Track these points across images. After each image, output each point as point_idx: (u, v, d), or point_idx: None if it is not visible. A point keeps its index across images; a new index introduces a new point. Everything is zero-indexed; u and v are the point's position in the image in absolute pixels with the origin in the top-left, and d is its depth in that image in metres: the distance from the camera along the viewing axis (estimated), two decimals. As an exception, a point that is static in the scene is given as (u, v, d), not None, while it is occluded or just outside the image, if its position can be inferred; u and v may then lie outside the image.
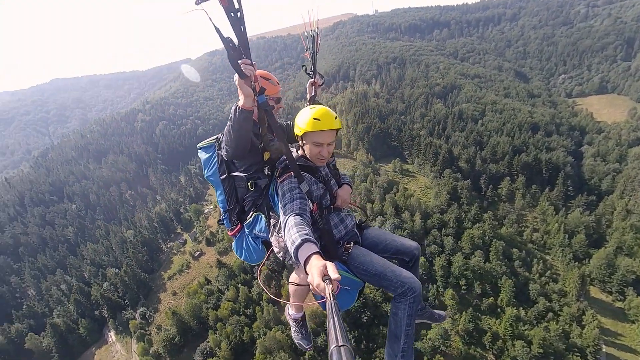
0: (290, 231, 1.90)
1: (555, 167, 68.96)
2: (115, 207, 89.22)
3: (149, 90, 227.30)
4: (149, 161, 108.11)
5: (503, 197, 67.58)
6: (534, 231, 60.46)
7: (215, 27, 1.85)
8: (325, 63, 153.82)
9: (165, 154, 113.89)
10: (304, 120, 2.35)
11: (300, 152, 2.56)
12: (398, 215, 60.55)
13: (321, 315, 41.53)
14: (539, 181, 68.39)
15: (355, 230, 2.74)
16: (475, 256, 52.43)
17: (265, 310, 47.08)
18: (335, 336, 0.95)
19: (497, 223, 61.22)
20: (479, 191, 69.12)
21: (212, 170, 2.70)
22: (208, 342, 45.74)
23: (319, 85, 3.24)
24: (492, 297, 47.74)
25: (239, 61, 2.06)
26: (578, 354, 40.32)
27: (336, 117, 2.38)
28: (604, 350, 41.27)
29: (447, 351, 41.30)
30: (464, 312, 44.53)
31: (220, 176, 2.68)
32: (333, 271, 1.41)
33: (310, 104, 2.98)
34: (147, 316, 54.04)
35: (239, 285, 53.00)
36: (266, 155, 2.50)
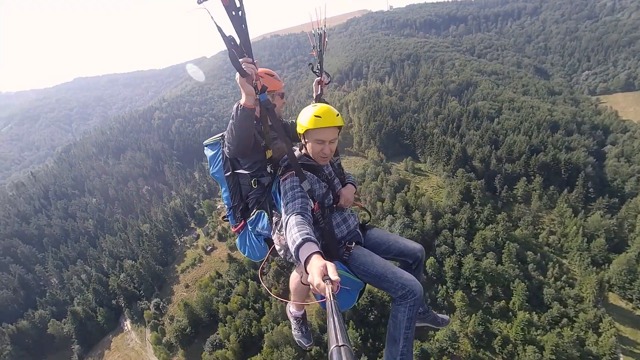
0: (291, 230, 1.91)
1: (575, 167, 66.30)
2: (133, 202, 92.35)
3: (165, 89, 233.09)
4: (164, 157, 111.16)
5: (519, 198, 65.64)
6: (550, 234, 58.50)
7: (217, 25, 1.89)
8: (338, 60, 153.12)
9: (180, 151, 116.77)
10: (305, 118, 2.36)
11: (303, 150, 2.56)
12: (408, 215, 59.91)
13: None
14: (558, 182, 65.98)
15: (358, 230, 2.72)
16: (487, 258, 51.33)
17: (274, 305, 47.83)
18: (335, 336, 0.94)
19: (511, 225, 59.63)
20: (493, 191, 67.42)
21: (217, 167, 2.75)
22: (218, 334, 46.99)
23: (325, 84, 3.25)
24: (503, 301, 46.68)
25: (241, 60, 2.07)
26: (593, 362, 39.02)
27: (338, 115, 2.39)
28: (621, 359, 39.71)
29: (455, 353, 40.78)
30: (473, 315, 43.77)
31: (225, 173, 2.71)
32: (333, 272, 1.42)
33: (316, 103, 2.97)
34: (160, 307, 55.93)
35: (249, 280, 54.00)
36: (269, 154, 2.52)
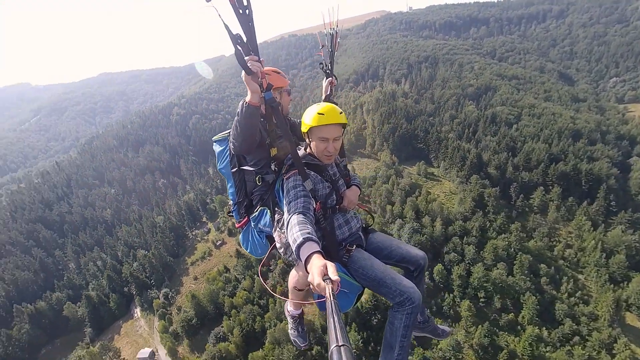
0: (292, 229, 1.91)
1: (596, 178, 63.45)
2: (149, 194, 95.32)
3: (185, 85, 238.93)
4: (181, 152, 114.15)
5: (535, 208, 63.48)
6: (566, 247, 56.25)
7: (224, 23, 1.90)
8: (354, 61, 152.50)
9: (196, 146, 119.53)
10: (309, 116, 2.38)
11: (307, 150, 2.56)
12: (418, 220, 59.09)
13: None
14: (577, 193, 63.36)
15: (360, 233, 2.69)
16: (497, 268, 49.92)
17: (278, 303, 48.27)
18: (335, 336, 0.94)
19: (525, 235, 57.77)
20: (508, 200, 65.50)
21: (224, 163, 2.79)
22: (222, 327, 47.96)
23: (334, 85, 3.24)
24: (512, 313, 45.28)
25: (246, 58, 2.09)
26: (605, 383, 37.35)
27: (341, 113, 2.39)
28: (636, 382, 37.84)
29: (458, 363, 40.00)
30: (480, 326, 42.73)
31: (232, 169, 2.74)
32: (333, 272, 1.42)
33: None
34: (169, 297, 57.54)
35: (255, 276, 54.73)
36: (273, 151, 2.53)
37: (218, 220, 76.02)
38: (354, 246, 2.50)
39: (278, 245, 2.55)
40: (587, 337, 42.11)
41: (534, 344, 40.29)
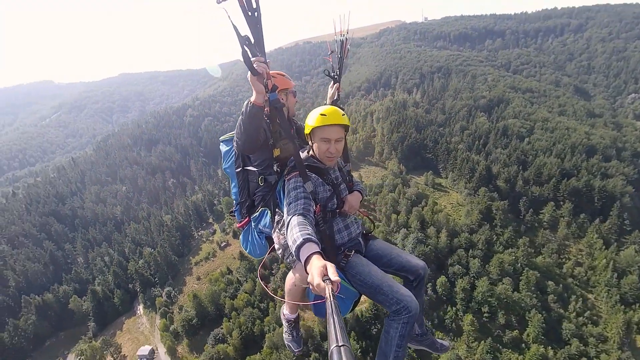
0: (292, 230, 1.91)
1: (610, 196, 61.67)
2: (158, 193, 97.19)
3: (200, 88, 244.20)
4: (192, 153, 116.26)
5: (544, 223, 62.02)
6: (576, 265, 54.66)
7: (233, 24, 1.93)
8: (367, 69, 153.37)
9: (207, 148, 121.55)
10: (312, 117, 2.40)
11: (310, 152, 2.56)
12: (423, 230, 58.43)
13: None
14: (589, 210, 61.66)
15: (360, 239, 2.67)
16: (503, 283, 48.85)
17: (278, 307, 48.20)
18: (335, 336, 0.93)
19: (533, 251, 56.44)
20: (516, 214, 64.19)
21: (229, 163, 2.83)
22: (221, 328, 48.11)
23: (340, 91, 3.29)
24: (517, 330, 44.07)
25: (253, 59, 2.11)
26: (613, 409, 35.76)
27: (344, 115, 2.41)
28: (647, 410, 36.10)
29: (458, 379, 39.01)
30: (482, 341, 41.72)
31: (236, 169, 2.77)
32: (333, 273, 1.42)
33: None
34: (172, 296, 58.15)
35: (257, 279, 54.86)
36: (275, 152, 2.54)
37: (224, 221, 76.75)
38: (353, 251, 2.49)
39: (276, 246, 2.55)
40: (594, 359, 40.56)
41: (538, 364, 39.05)
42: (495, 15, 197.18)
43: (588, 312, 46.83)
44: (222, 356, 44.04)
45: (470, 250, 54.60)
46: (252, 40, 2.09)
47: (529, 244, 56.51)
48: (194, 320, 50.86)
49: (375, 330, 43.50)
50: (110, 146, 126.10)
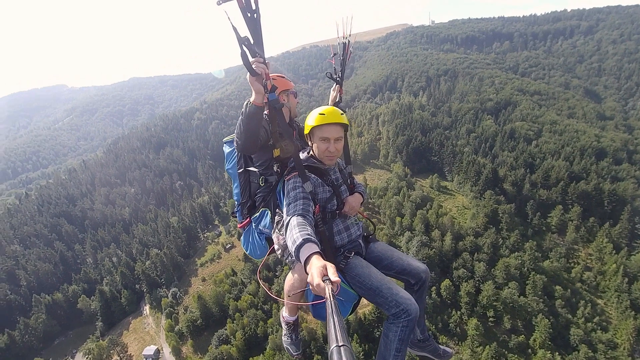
0: (292, 230, 1.92)
1: (620, 199, 60.40)
2: (166, 195, 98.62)
3: (208, 92, 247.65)
4: (199, 156, 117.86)
5: (552, 227, 61.03)
6: (585, 269, 53.54)
7: (232, 25, 1.94)
8: (373, 72, 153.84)
9: (214, 151, 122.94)
10: (311, 117, 2.44)
11: (310, 153, 2.57)
12: (427, 233, 58.03)
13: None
14: (599, 214, 60.47)
15: (360, 241, 2.65)
16: (508, 287, 48.04)
17: (281, 309, 48.32)
18: (335, 336, 0.93)
19: (540, 255, 55.41)
20: (523, 218, 63.27)
21: (232, 163, 2.84)
22: (225, 329, 48.43)
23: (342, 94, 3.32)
24: (523, 335, 43.25)
25: (252, 59, 2.14)
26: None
27: (343, 114, 2.44)
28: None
29: (462, 384, 38.49)
30: (487, 346, 41.08)
31: (238, 170, 2.78)
32: (333, 273, 1.42)
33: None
34: (177, 296, 58.81)
35: (261, 281, 55.02)
36: (275, 153, 2.53)
37: (229, 223, 77.45)
38: (352, 253, 2.47)
39: (276, 247, 2.57)
40: (604, 367, 39.62)
41: (545, 370, 38.30)
42: (503, 18, 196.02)
43: (597, 317, 45.74)
44: (225, 357, 44.34)
45: (476, 254, 53.92)
46: (252, 41, 2.12)
47: (536, 247, 55.53)
48: (198, 321, 51.34)
49: (378, 333, 43.21)
50: (120, 149, 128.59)
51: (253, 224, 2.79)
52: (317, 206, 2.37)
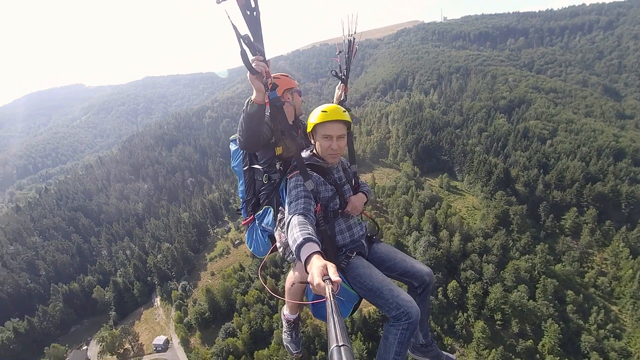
0: (293, 229, 1.91)
1: (639, 202, 58.28)
2: (177, 191, 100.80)
3: (219, 90, 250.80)
4: (210, 153, 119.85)
5: (566, 229, 59.48)
6: (600, 274, 52.02)
7: (232, 23, 1.94)
8: (383, 70, 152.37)
9: (224, 148, 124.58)
10: (313, 115, 2.43)
11: (313, 151, 2.57)
12: (435, 233, 57.47)
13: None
14: (616, 217, 58.51)
15: (363, 241, 2.62)
16: (518, 290, 47.22)
17: (287, 305, 48.92)
18: (335, 336, 0.93)
19: (552, 258, 54.17)
20: (536, 219, 61.86)
21: (237, 161, 2.86)
22: (232, 322, 49.46)
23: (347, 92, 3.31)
24: (531, 340, 42.45)
25: (252, 58, 2.13)
26: None
27: (345, 112, 2.44)
28: None
29: (467, 386, 38.18)
30: (493, 349, 40.55)
31: (243, 167, 2.80)
32: (334, 272, 1.41)
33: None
34: (187, 290, 60.31)
35: (268, 276, 55.94)
36: (278, 150, 2.54)
37: (238, 220, 78.53)
38: (354, 253, 2.44)
39: (278, 244, 2.57)
40: (616, 375, 38.57)
41: (553, 375, 37.57)
42: (518, 13, 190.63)
43: (610, 324, 44.43)
44: (231, 349, 45.28)
45: (485, 256, 53.17)
46: (252, 40, 2.12)
47: (548, 250, 54.29)
48: (206, 314, 52.57)
49: (382, 331, 43.11)
50: (134, 146, 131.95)
51: (256, 221, 2.81)
52: (319, 205, 2.37)
